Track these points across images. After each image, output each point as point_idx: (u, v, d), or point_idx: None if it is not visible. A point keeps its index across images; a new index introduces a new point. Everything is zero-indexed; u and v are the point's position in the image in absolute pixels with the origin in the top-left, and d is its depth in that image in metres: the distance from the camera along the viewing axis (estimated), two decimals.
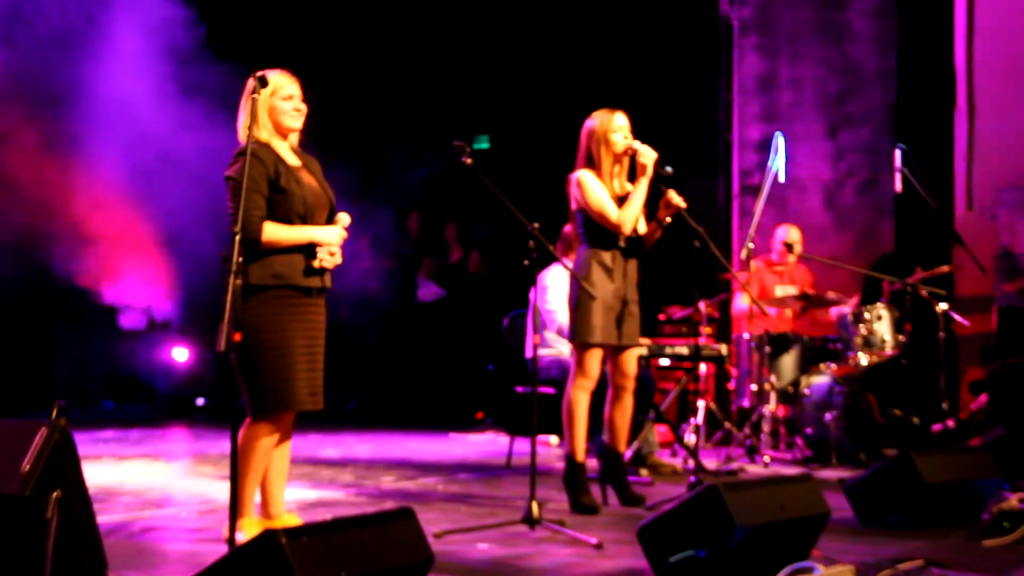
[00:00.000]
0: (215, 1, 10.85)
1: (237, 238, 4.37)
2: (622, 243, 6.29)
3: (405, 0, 12.26)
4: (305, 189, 4.99)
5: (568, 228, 7.86)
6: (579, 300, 6.22)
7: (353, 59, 12.18)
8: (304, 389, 4.94)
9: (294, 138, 5.16)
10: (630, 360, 6.42)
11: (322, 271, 5.00)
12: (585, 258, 6.30)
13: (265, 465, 5.00)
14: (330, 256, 4.99)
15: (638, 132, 6.39)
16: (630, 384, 6.43)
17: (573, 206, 6.38)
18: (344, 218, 5.11)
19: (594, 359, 6.28)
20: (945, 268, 8.65)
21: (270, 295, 4.86)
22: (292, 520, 5.09)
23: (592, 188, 6.25)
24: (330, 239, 4.99)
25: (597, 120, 6.36)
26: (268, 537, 3.39)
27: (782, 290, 9.24)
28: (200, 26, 9.99)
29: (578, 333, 6.23)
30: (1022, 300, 9.36)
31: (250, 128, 4.75)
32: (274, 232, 4.87)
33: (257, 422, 4.91)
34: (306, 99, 5.14)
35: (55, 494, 3.74)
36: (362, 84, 12.37)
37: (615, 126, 6.31)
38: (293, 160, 5.08)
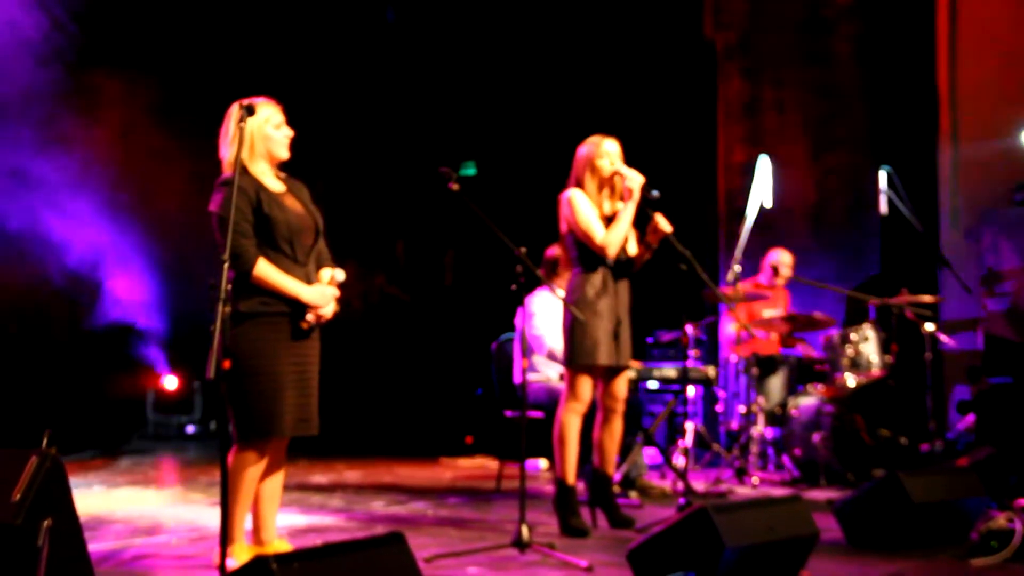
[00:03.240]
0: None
1: (225, 265, 4.38)
2: (611, 264, 6.32)
3: (391, 29, 12.29)
4: (288, 214, 5.00)
5: (551, 251, 7.89)
6: (576, 323, 6.24)
7: (337, 88, 12.19)
8: (291, 416, 4.94)
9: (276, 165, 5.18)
10: (621, 383, 6.44)
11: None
12: (579, 281, 6.33)
13: (253, 491, 5.01)
14: (316, 319, 5.00)
15: (629, 157, 6.43)
16: (620, 407, 6.46)
17: (563, 227, 6.41)
18: (338, 275, 5.12)
19: (587, 383, 6.30)
20: (928, 298, 8.67)
21: (261, 321, 4.87)
22: (283, 546, 5.09)
23: (581, 207, 6.29)
24: (317, 302, 4.99)
25: (588, 145, 6.42)
26: (258, 564, 3.40)
27: (770, 313, 9.27)
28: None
29: (578, 355, 6.24)
30: (1010, 321, 9.40)
31: (237, 157, 4.77)
32: (266, 273, 4.88)
33: (244, 448, 4.92)
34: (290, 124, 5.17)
35: (46, 522, 3.74)
36: (346, 112, 12.38)
37: (603, 151, 6.36)
38: (277, 186, 5.09)
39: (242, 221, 4.83)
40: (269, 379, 4.87)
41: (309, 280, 5.04)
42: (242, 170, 4.94)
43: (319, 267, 5.16)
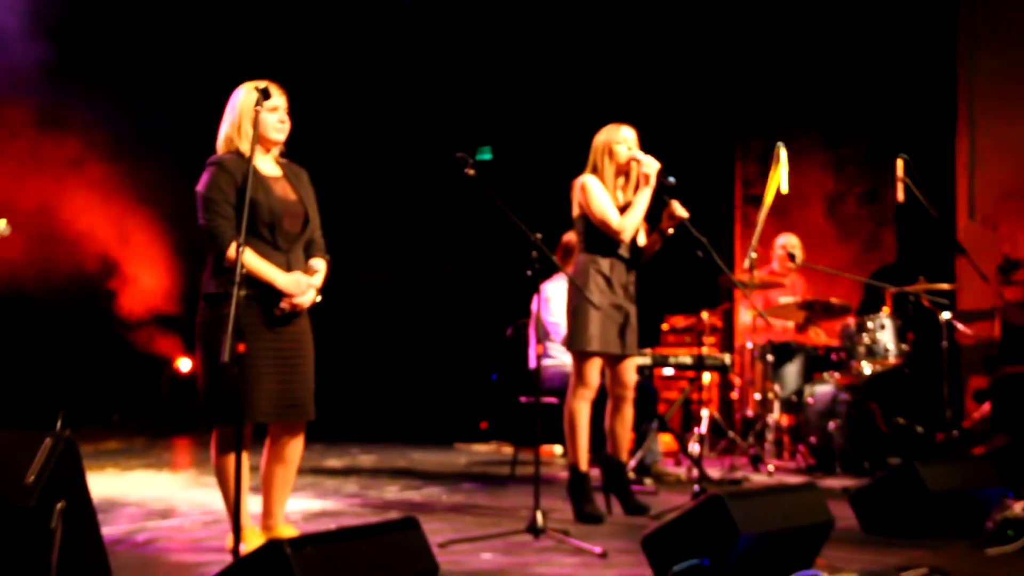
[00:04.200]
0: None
1: (240, 249, 4.36)
2: (622, 251, 6.31)
3: (408, 14, 12.27)
4: (272, 198, 4.95)
5: (567, 237, 7.88)
6: (576, 308, 6.23)
7: (353, 73, 12.18)
8: (269, 401, 4.88)
9: (276, 149, 5.15)
10: (629, 370, 6.42)
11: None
12: (584, 266, 6.32)
13: (232, 477, 4.85)
14: (289, 307, 4.94)
15: (641, 142, 6.41)
16: (630, 394, 6.44)
17: (575, 212, 6.39)
18: (317, 264, 5.07)
19: (593, 368, 6.28)
20: (945, 286, 8.64)
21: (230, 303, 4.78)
22: (289, 532, 5.06)
23: (595, 193, 6.27)
24: (291, 290, 4.93)
25: (604, 132, 6.41)
26: (272, 548, 3.39)
27: (786, 300, 9.24)
28: None
29: (575, 341, 6.24)
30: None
31: (253, 141, 4.75)
32: (242, 256, 4.82)
33: (218, 433, 4.91)
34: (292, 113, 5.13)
35: (60, 505, 3.74)
36: (364, 98, 12.38)
37: (620, 137, 6.35)
38: (271, 170, 5.06)
39: (223, 202, 4.81)
40: (243, 364, 4.79)
41: (289, 267, 4.97)
42: (236, 151, 4.94)
43: (308, 256, 5.11)
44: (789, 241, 9.33)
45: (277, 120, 5.06)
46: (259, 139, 5.00)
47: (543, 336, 7.80)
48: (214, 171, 4.87)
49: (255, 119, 4.77)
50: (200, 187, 4.90)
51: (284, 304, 4.92)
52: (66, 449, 3.88)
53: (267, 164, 5.07)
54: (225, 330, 4.41)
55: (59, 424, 3.91)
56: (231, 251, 4.79)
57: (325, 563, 3.46)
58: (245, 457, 4.90)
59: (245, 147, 4.97)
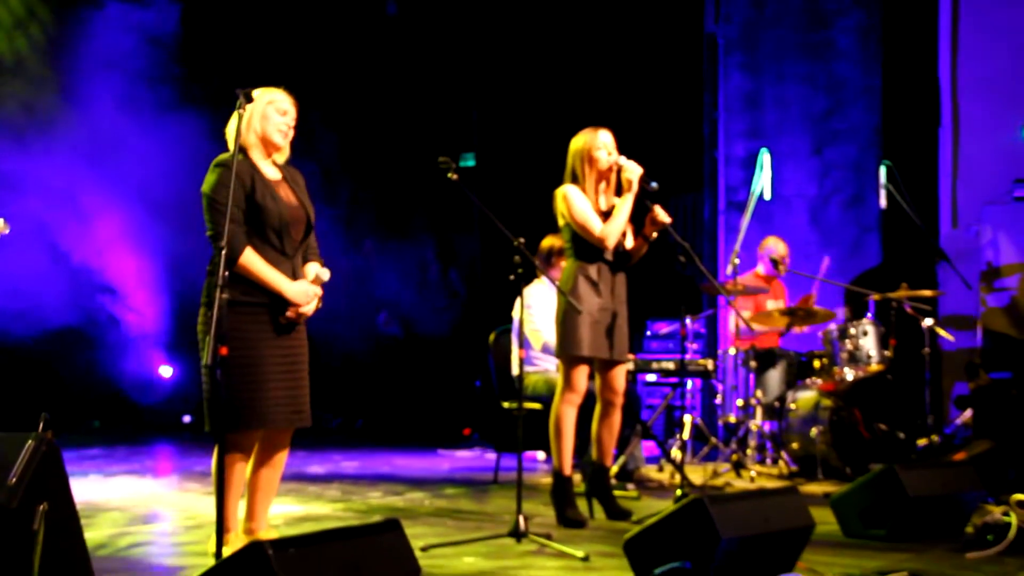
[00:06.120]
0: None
1: (223, 252, 4.36)
2: (608, 257, 6.32)
3: (392, 22, 12.29)
4: (281, 204, 4.94)
5: (545, 242, 7.88)
6: (565, 314, 6.23)
7: (338, 80, 12.19)
8: (279, 407, 4.89)
9: (279, 156, 5.13)
10: (619, 375, 6.43)
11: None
12: (571, 272, 6.32)
13: (241, 481, 4.95)
14: (295, 316, 4.95)
15: (624, 148, 6.42)
16: (619, 400, 6.44)
17: (560, 221, 6.40)
18: (323, 274, 5.07)
19: (581, 374, 6.29)
20: (928, 292, 8.68)
21: (241, 311, 4.78)
22: (271, 536, 5.05)
23: (577, 202, 6.27)
24: (299, 300, 4.92)
25: (582, 138, 6.39)
26: (254, 549, 3.40)
27: (773, 305, 9.27)
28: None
29: (565, 347, 6.24)
30: (1009, 317, 9.41)
31: (235, 144, 4.74)
32: (252, 263, 4.81)
33: (229, 440, 4.88)
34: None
35: (42, 506, 3.74)
36: (346, 105, 12.39)
37: (599, 143, 6.34)
38: (272, 173, 5.05)
39: (233, 207, 4.79)
40: (251, 370, 4.80)
41: (295, 274, 4.98)
42: (242, 153, 4.92)
43: (305, 261, 5.11)
44: (778, 249, 9.33)
45: (284, 123, 5.04)
46: (262, 139, 5.01)
47: (525, 341, 7.80)
48: (222, 173, 4.83)
49: (239, 122, 4.75)
50: (207, 189, 4.87)
51: (290, 313, 4.92)
52: (48, 451, 3.88)
53: (268, 168, 5.05)
54: (236, 337, 4.51)
55: (41, 426, 3.90)
56: (243, 258, 4.80)
57: (307, 564, 3.46)
58: (243, 463, 4.91)
59: (253, 152, 4.98)
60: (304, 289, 4.96)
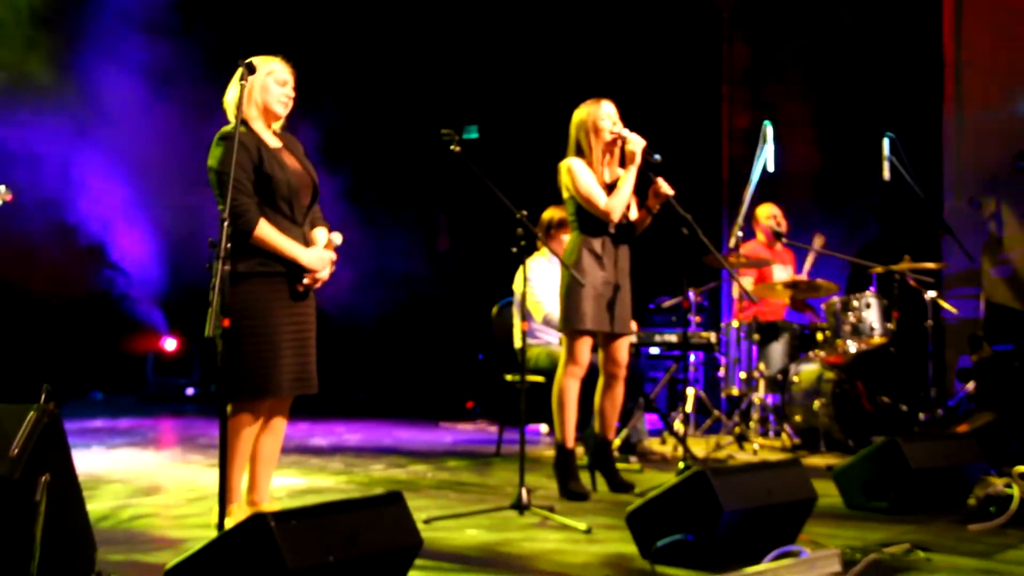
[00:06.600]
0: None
1: (225, 224, 4.35)
2: (612, 230, 6.30)
3: None
4: (288, 172, 4.95)
5: (546, 214, 7.85)
6: (569, 287, 6.22)
7: (340, 52, 12.15)
8: (289, 375, 4.91)
9: (277, 124, 5.13)
10: (622, 348, 6.42)
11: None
12: (575, 245, 6.31)
13: (249, 450, 4.97)
14: (312, 283, 4.96)
15: (627, 120, 6.40)
16: (622, 373, 6.44)
17: (565, 194, 6.38)
18: (335, 238, 5.08)
19: (584, 347, 6.28)
20: (931, 265, 8.67)
21: (258, 281, 4.82)
22: (274, 507, 5.06)
23: (581, 175, 6.25)
24: (315, 265, 4.94)
25: (585, 110, 6.37)
26: (256, 520, 3.40)
27: (782, 270, 9.25)
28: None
29: (568, 320, 6.23)
30: (1013, 290, 9.40)
31: (236, 116, 4.72)
32: (266, 234, 4.82)
33: (240, 408, 4.88)
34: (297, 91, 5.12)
35: (44, 477, 3.73)
36: (349, 78, 12.35)
37: (603, 114, 6.32)
38: (274, 142, 5.04)
39: (243, 179, 4.79)
40: (266, 340, 4.82)
41: (305, 240, 4.99)
42: (244, 126, 4.90)
43: (312, 227, 5.12)
44: (773, 212, 9.30)
45: (284, 94, 5.04)
46: (264, 109, 5.00)
47: (527, 314, 7.79)
48: (228, 146, 4.80)
49: (241, 93, 4.73)
50: (214, 163, 4.85)
51: (307, 280, 4.94)
52: (50, 422, 3.87)
53: (269, 137, 5.04)
54: (253, 307, 4.55)
55: (43, 397, 3.89)
56: (258, 230, 4.81)
57: (309, 536, 3.46)
58: (254, 432, 4.92)
59: (256, 123, 4.97)
60: (319, 255, 4.98)
